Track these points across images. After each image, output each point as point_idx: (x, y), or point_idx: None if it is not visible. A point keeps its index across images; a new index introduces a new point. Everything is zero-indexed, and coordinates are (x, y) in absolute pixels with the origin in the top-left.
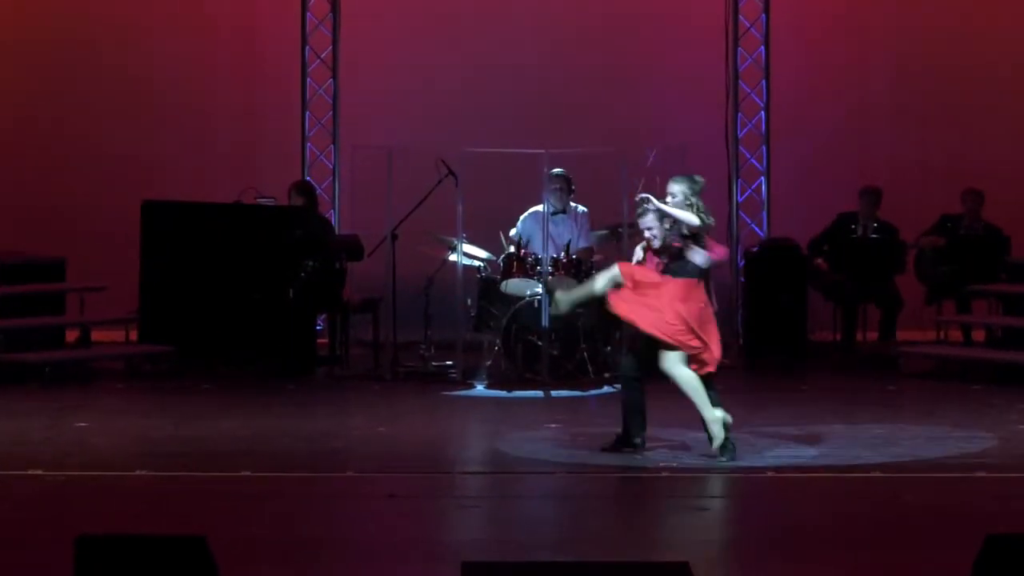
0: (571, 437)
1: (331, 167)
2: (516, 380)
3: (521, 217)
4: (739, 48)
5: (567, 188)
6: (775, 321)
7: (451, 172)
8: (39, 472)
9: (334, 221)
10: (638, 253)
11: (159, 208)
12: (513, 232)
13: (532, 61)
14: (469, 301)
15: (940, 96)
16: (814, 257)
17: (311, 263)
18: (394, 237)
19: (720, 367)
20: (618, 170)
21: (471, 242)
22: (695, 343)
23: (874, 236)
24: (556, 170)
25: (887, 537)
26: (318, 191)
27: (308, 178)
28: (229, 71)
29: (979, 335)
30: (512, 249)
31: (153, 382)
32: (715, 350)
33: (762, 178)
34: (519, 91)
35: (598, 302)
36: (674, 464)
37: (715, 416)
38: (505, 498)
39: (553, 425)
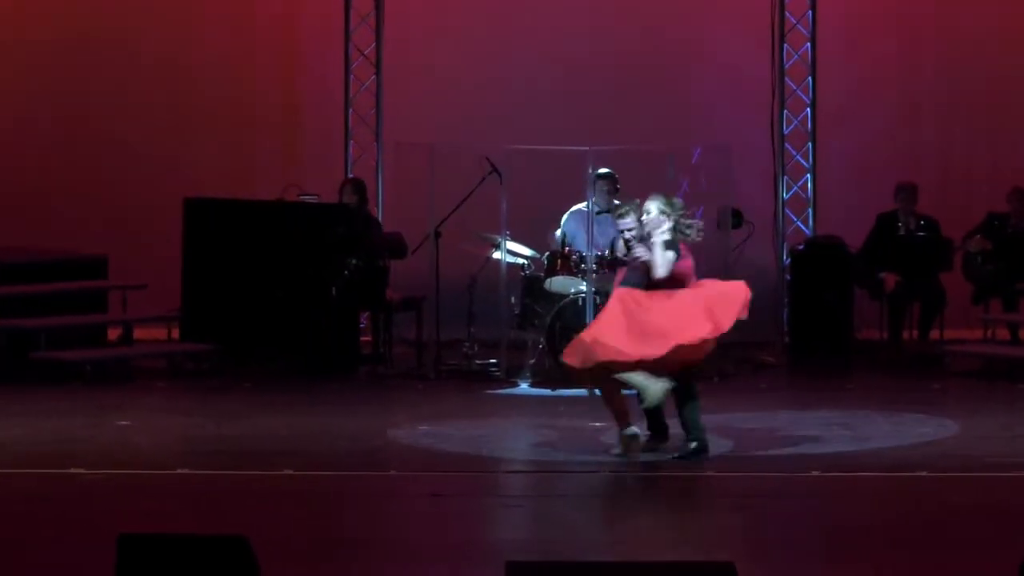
0: (616, 435)
1: (374, 164)
2: (560, 378)
3: (565, 215)
4: (785, 44)
5: (613, 188)
6: (821, 319)
7: (495, 169)
8: (81, 471)
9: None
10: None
11: (201, 205)
12: (558, 233)
13: (576, 58)
14: (513, 299)
15: (988, 92)
16: (874, 269)
17: (354, 261)
18: (437, 235)
19: (765, 365)
20: (663, 168)
21: (515, 240)
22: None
23: (920, 234)
24: (603, 170)
25: (933, 538)
26: (365, 187)
27: (352, 175)
28: (272, 68)
29: None
30: (556, 247)
31: (195, 380)
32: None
33: (808, 175)
34: (562, 89)
35: None
36: (713, 461)
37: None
38: (549, 497)
39: (598, 424)
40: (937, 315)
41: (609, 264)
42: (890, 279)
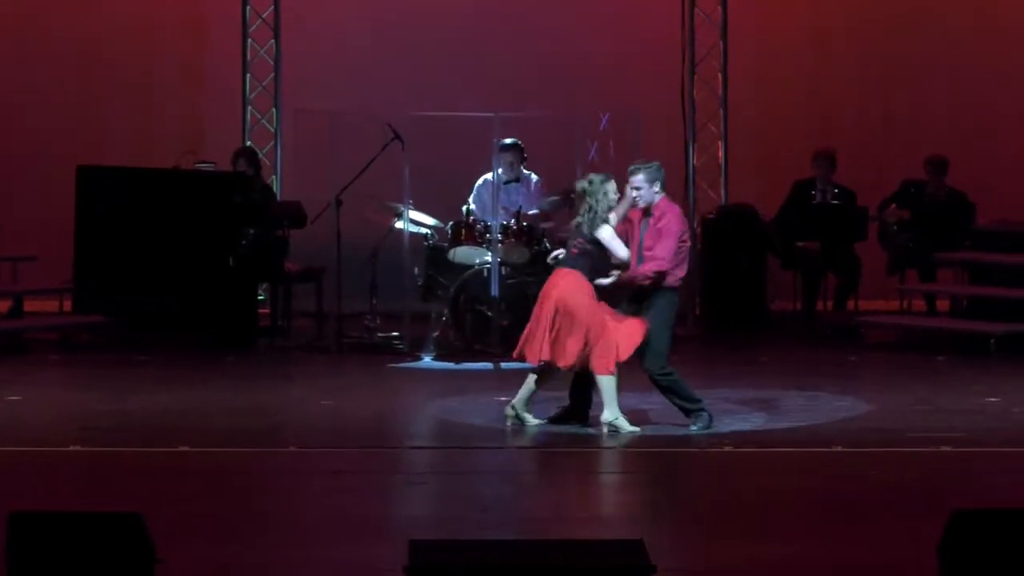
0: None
1: (273, 131)
2: (465, 351)
3: (476, 184)
4: (695, 8)
5: (520, 158)
6: (734, 290)
7: (397, 136)
8: None
9: (276, 187)
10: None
11: (94, 173)
12: (472, 199)
13: (482, 22)
14: (416, 270)
15: (902, 56)
16: (788, 237)
17: (252, 231)
18: (338, 203)
19: (675, 337)
20: (570, 134)
21: (418, 208)
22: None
23: (835, 202)
24: (508, 140)
25: (849, 514)
26: (260, 156)
27: (250, 143)
28: (168, 31)
29: (944, 304)
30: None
31: (88, 354)
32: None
33: (719, 142)
34: (468, 53)
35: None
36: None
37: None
38: (454, 474)
39: (503, 398)
40: (854, 287)
41: (515, 234)
42: (809, 246)
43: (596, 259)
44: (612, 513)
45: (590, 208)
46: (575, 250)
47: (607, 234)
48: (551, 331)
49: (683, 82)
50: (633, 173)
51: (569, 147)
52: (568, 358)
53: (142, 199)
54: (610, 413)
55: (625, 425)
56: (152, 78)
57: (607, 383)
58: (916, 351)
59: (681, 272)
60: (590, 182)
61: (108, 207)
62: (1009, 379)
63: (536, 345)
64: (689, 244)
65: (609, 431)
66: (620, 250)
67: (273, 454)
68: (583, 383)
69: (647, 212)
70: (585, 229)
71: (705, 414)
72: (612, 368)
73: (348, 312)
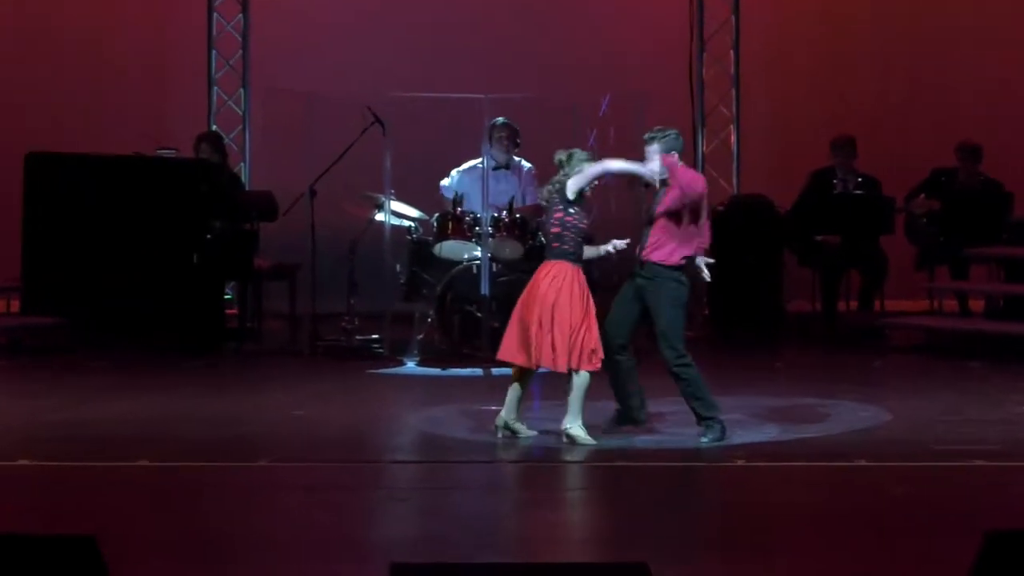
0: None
1: (241, 114)
2: (452, 356)
3: (455, 170)
4: None
5: (513, 140)
6: (746, 289)
7: (378, 120)
8: None
9: (244, 175)
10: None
11: (45, 161)
12: (445, 182)
13: None
14: (398, 267)
15: (927, 29)
16: (807, 231)
17: (218, 223)
18: (313, 194)
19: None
20: (567, 119)
21: (400, 199)
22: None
23: (857, 192)
24: (501, 119)
25: (872, 533)
26: (226, 141)
27: (215, 127)
28: (127, 4)
29: (977, 304)
30: (450, 198)
31: (39, 359)
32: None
33: (731, 126)
34: (455, 29)
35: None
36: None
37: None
38: (439, 490)
39: (494, 407)
40: (879, 284)
41: (507, 227)
42: (829, 240)
43: (581, 229)
44: (613, 533)
45: (558, 179)
46: (556, 228)
47: (578, 177)
48: (521, 328)
49: (691, 60)
50: (648, 143)
51: (565, 134)
52: (519, 353)
53: (97, 189)
54: (573, 419)
55: (583, 436)
56: (108, 55)
57: (585, 383)
58: (946, 355)
59: (687, 250)
60: (570, 156)
61: (60, 197)
62: None
63: (508, 343)
64: (705, 217)
65: (567, 440)
66: (599, 166)
67: (242, 468)
68: (621, 376)
69: (663, 183)
70: (558, 196)
71: (718, 425)
72: (598, 365)
73: (324, 313)
